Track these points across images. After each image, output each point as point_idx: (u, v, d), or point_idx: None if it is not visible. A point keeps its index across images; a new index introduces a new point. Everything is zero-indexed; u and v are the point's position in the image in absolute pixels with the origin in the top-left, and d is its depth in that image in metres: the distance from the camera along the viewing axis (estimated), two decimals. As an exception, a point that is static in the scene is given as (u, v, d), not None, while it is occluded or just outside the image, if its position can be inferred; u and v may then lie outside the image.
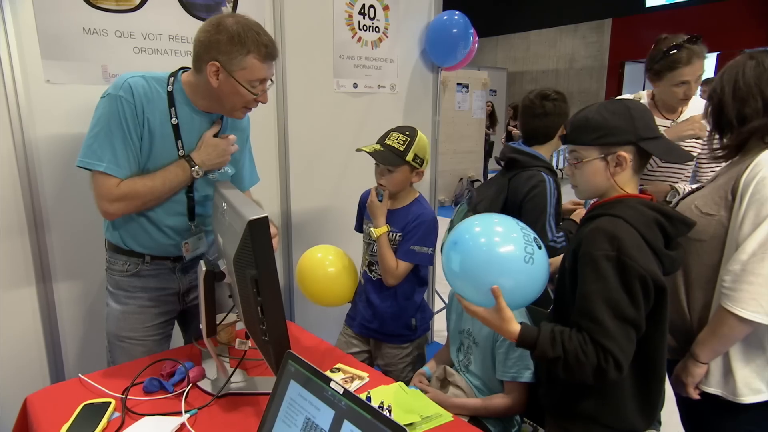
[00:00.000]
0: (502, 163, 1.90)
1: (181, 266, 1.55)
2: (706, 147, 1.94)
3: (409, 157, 1.68)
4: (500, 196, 1.82)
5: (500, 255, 1.15)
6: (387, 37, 2.55)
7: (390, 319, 1.79)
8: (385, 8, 2.51)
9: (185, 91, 1.42)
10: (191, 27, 1.92)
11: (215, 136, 1.47)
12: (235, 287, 1.21)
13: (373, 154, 1.69)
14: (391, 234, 1.76)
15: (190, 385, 1.29)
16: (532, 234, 1.20)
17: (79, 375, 1.31)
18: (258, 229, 1.01)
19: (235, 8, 2.01)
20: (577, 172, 1.24)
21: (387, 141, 1.71)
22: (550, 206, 1.73)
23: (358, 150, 1.73)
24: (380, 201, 1.76)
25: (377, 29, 2.51)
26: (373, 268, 1.82)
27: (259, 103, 1.44)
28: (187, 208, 1.48)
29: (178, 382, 1.30)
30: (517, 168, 1.83)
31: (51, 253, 1.71)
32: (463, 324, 1.61)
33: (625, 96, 2.08)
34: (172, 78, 1.42)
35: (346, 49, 2.40)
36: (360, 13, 2.42)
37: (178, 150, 1.42)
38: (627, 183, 1.20)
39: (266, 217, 1.01)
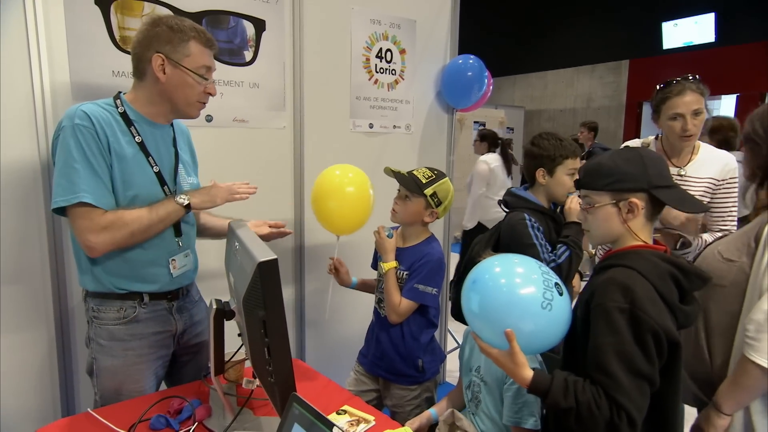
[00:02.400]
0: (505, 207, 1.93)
1: (177, 306, 1.52)
2: (716, 198, 1.92)
3: (428, 191, 1.74)
4: (492, 237, 1.86)
5: (517, 298, 1.14)
6: (403, 79, 2.62)
7: (397, 359, 1.79)
8: (402, 52, 2.59)
9: (136, 109, 1.42)
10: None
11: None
12: (244, 326, 1.23)
13: (396, 174, 1.76)
14: (398, 272, 1.78)
15: (196, 423, 1.29)
16: (553, 279, 1.18)
17: (88, 410, 1.32)
18: (267, 271, 1.02)
19: (256, 52, 2.10)
20: (589, 217, 1.24)
21: (414, 171, 1.79)
22: (536, 238, 1.73)
23: (385, 170, 1.79)
24: (389, 238, 1.79)
25: (393, 72, 2.58)
26: (382, 305, 1.83)
27: (210, 97, 1.46)
28: (173, 224, 1.46)
29: (185, 419, 1.31)
30: (508, 210, 1.87)
31: (69, 287, 1.74)
32: (473, 362, 1.59)
33: (635, 141, 2.09)
34: (118, 100, 1.41)
35: (362, 90, 2.47)
36: (377, 56, 2.50)
37: (152, 167, 1.42)
38: (640, 230, 1.19)
39: (276, 260, 1.03)
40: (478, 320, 1.19)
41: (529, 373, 1.12)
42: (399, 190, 1.82)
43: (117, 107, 1.40)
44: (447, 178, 1.81)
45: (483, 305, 1.17)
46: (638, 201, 1.16)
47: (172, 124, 1.53)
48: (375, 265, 1.98)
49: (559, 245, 1.76)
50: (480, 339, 1.19)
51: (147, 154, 1.41)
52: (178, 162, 1.51)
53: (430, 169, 1.81)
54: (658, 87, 1.90)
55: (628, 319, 1.06)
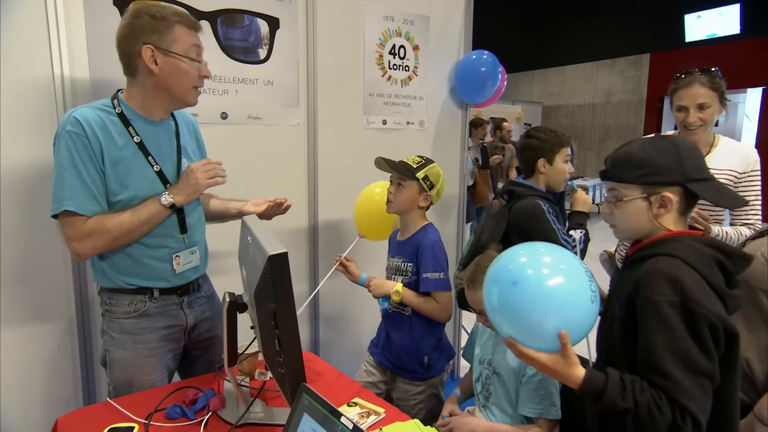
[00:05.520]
0: (505, 196, 1.98)
1: (187, 301, 1.52)
2: (738, 191, 1.88)
3: (420, 175, 1.79)
4: (501, 225, 1.91)
5: (567, 293, 1.03)
6: (416, 75, 2.62)
7: (403, 353, 1.82)
8: (415, 48, 2.59)
9: (132, 107, 1.40)
10: (230, 68, 2.04)
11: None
12: (256, 319, 1.25)
13: (387, 161, 1.81)
14: (402, 264, 1.82)
15: (210, 413, 1.32)
16: (587, 268, 1.10)
17: (107, 399, 1.36)
18: (278, 264, 1.04)
19: (270, 50, 2.12)
20: (616, 211, 1.16)
21: (404, 159, 1.84)
22: (554, 223, 1.81)
23: (376, 162, 1.83)
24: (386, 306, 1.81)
25: (407, 68, 2.58)
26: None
27: (205, 80, 1.43)
28: (178, 220, 1.46)
29: (200, 409, 1.34)
30: (514, 199, 1.92)
31: (89, 279, 1.79)
32: (483, 354, 1.60)
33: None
34: (115, 100, 1.40)
35: (376, 87, 2.48)
36: (390, 53, 2.51)
37: (152, 166, 1.40)
38: (672, 225, 1.11)
39: (286, 253, 1.05)
40: (519, 323, 1.06)
41: (581, 372, 1.03)
42: (391, 180, 1.86)
43: (114, 107, 1.39)
44: (435, 163, 1.86)
45: (529, 306, 1.03)
46: (672, 195, 1.08)
47: (173, 116, 1.51)
48: None
49: (576, 231, 1.84)
50: (520, 345, 1.06)
51: (147, 154, 1.40)
52: (181, 156, 1.49)
53: (418, 156, 1.86)
54: (679, 75, 1.91)
55: (680, 312, 0.98)
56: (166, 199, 1.38)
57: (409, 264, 1.80)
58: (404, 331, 1.82)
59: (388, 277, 1.90)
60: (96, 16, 1.72)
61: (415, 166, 1.80)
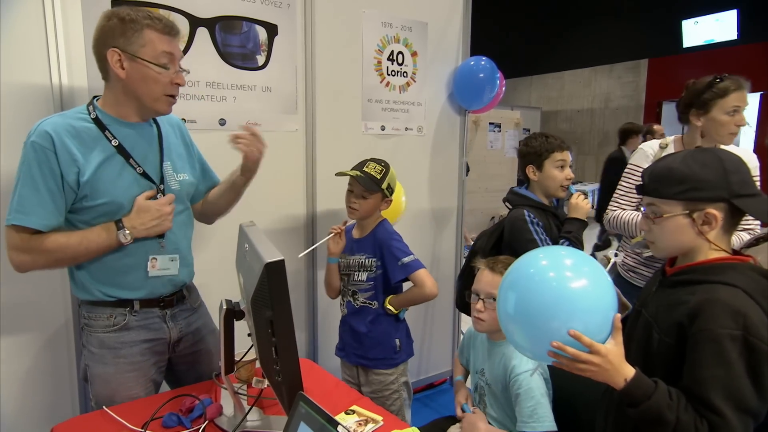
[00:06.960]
0: (508, 204, 2.00)
1: (170, 314, 1.47)
2: None
3: (384, 185, 1.84)
4: (495, 232, 1.95)
5: (589, 296, 1.01)
6: (415, 81, 2.62)
7: (376, 344, 1.88)
8: (414, 54, 2.60)
9: (108, 112, 1.35)
10: (227, 74, 2.04)
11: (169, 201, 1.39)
12: (253, 326, 1.25)
13: (356, 177, 1.82)
14: (366, 260, 1.87)
15: (207, 421, 1.31)
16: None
17: (103, 407, 1.35)
18: (274, 271, 1.04)
19: (269, 57, 2.13)
20: (655, 227, 1.10)
21: (365, 169, 1.85)
22: (536, 234, 1.79)
23: (338, 174, 1.85)
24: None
25: (405, 74, 2.59)
26: (356, 296, 1.90)
27: (180, 87, 1.36)
28: None
29: (196, 418, 1.33)
30: (512, 208, 1.94)
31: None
32: (478, 364, 1.60)
33: (652, 142, 2.06)
34: (91, 107, 1.35)
35: (374, 93, 2.49)
36: (389, 59, 2.51)
37: (135, 168, 1.35)
38: (717, 242, 1.06)
39: (282, 260, 1.04)
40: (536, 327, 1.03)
41: (630, 371, 0.99)
42: (351, 189, 1.87)
43: (89, 113, 1.34)
44: (390, 165, 1.90)
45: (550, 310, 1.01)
46: (716, 212, 1.03)
47: (156, 121, 1.46)
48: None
49: (561, 240, 1.81)
50: (584, 336, 0.98)
51: (127, 157, 1.35)
52: (163, 159, 1.44)
53: (376, 162, 1.87)
54: (709, 81, 1.84)
55: (741, 348, 0.94)
56: (125, 237, 1.32)
57: (373, 259, 1.86)
58: (374, 323, 1.87)
59: (348, 274, 1.92)
60: (94, 23, 1.70)
61: (379, 177, 1.83)
